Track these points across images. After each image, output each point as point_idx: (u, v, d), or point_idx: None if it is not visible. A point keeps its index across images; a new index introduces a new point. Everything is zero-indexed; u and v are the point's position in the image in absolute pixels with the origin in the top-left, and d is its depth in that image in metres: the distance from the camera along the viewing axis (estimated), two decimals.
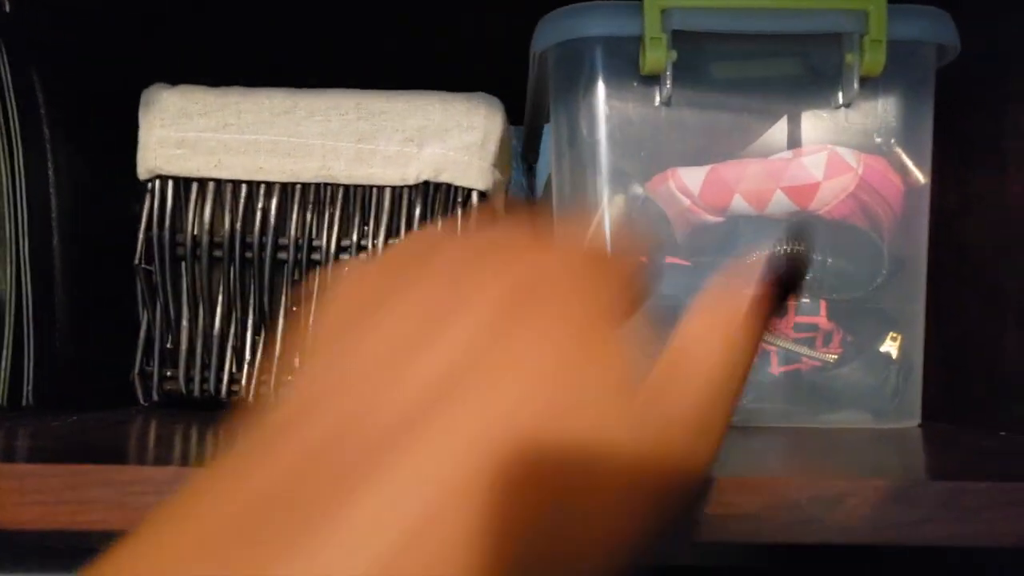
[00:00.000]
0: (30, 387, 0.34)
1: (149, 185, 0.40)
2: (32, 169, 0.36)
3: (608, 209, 0.39)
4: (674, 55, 0.36)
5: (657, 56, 0.36)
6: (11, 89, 0.35)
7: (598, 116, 0.38)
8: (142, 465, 0.22)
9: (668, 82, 0.37)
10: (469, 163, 0.39)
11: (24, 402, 0.34)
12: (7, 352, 0.34)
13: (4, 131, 0.35)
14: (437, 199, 0.39)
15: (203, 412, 0.39)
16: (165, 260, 0.39)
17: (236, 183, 0.39)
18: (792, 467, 0.28)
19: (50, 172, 0.37)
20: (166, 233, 0.39)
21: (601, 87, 0.38)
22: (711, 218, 0.40)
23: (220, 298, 0.40)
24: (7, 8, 0.37)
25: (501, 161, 0.41)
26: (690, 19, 0.36)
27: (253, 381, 0.39)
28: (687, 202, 0.40)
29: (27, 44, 0.37)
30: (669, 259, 0.40)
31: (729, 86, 0.39)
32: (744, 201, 0.39)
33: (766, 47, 0.38)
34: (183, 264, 0.39)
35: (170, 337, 0.40)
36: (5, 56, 0.36)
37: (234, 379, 0.39)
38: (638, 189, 0.40)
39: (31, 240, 0.35)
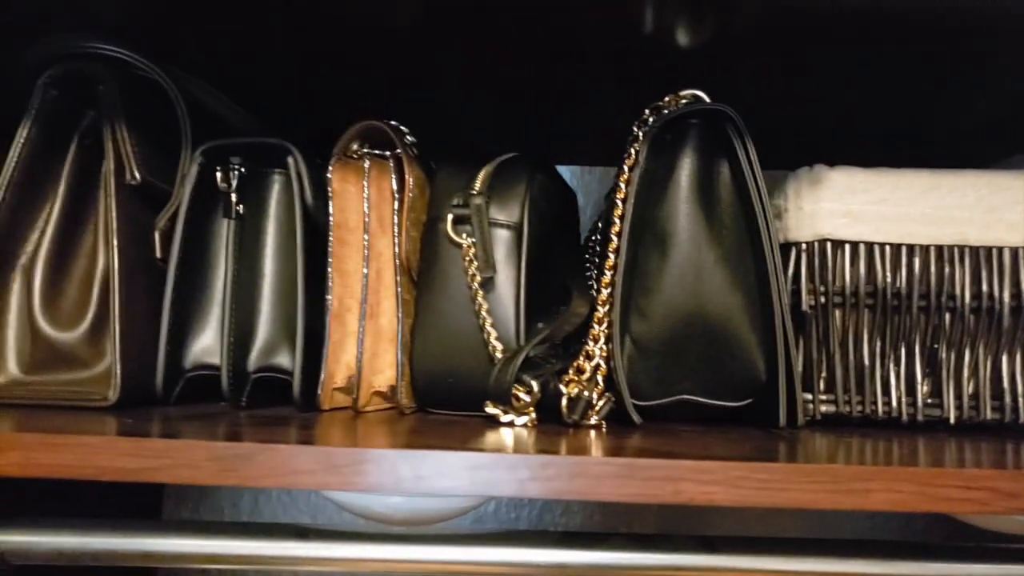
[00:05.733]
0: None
1: (804, 245, 0.50)
2: None
3: None
4: None
5: None
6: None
7: None
8: None
9: None
10: None
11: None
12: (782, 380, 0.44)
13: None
14: None
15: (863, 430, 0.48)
16: (827, 306, 0.49)
17: (883, 245, 0.49)
18: None
19: None
20: (828, 285, 0.49)
21: None
22: None
23: (865, 336, 0.50)
24: None
25: None
26: None
27: (902, 402, 0.49)
28: None
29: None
30: None
31: None
32: None
33: None
34: (836, 310, 0.49)
35: (825, 368, 0.50)
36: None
37: (884, 402, 0.49)
38: None
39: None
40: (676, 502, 0.31)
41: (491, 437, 0.38)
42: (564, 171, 0.82)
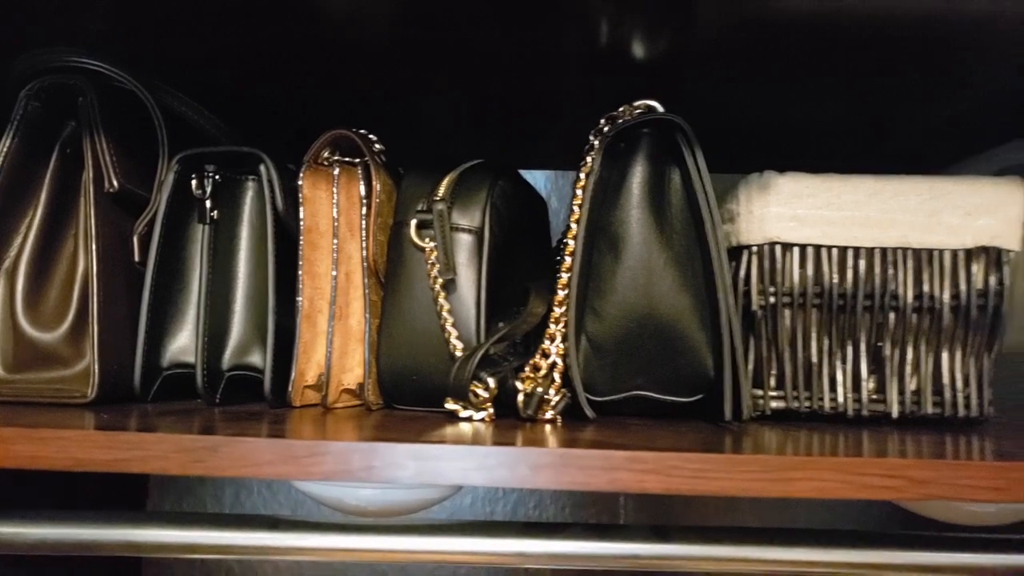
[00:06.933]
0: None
1: (755, 248, 0.52)
2: None
3: None
4: None
5: None
6: None
7: None
8: None
9: None
10: (1012, 231, 0.51)
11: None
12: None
13: None
14: (984, 259, 0.51)
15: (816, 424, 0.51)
16: (776, 306, 0.51)
17: (830, 248, 0.51)
18: None
19: None
20: (778, 286, 0.51)
21: None
22: None
23: (813, 335, 0.52)
24: None
25: None
26: None
27: (848, 397, 0.51)
28: None
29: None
30: None
31: None
32: None
33: None
34: (786, 310, 0.52)
35: (775, 366, 0.52)
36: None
37: (831, 398, 0.52)
38: None
39: None
40: (612, 490, 0.33)
41: (446, 431, 0.40)
42: (539, 175, 0.84)
